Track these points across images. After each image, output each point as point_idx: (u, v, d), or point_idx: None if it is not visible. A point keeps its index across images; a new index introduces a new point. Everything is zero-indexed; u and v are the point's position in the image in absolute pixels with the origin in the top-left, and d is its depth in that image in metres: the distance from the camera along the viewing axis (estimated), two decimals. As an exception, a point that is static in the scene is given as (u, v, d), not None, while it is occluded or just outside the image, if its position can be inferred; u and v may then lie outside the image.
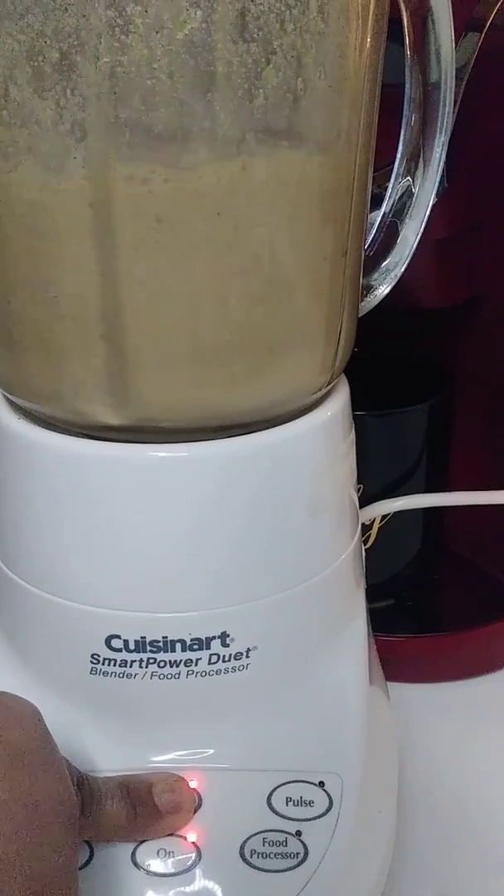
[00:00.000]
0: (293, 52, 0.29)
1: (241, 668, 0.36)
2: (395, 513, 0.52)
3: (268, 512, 0.35)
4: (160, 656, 0.35)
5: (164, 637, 0.35)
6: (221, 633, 0.35)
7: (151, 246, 0.31)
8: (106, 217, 0.30)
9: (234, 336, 0.32)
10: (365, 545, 0.47)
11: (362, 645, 0.39)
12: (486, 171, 0.48)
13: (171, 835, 0.34)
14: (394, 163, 0.38)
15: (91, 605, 0.35)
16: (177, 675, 0.35)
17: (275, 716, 0.37)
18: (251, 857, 0.33)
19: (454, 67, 0.36)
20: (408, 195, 0.38)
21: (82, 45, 0.28)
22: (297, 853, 0.34)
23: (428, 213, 0.38)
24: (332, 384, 0.38)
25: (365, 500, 0.49)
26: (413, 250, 0.39)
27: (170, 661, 0.35)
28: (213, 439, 0.34)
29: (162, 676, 0.35)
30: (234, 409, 0.34)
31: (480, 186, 0.48)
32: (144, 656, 0.35)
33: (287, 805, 0.35)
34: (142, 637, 0.35)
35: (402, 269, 0.40)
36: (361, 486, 0.42)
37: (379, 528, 0.53)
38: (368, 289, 0.40)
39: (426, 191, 0.38)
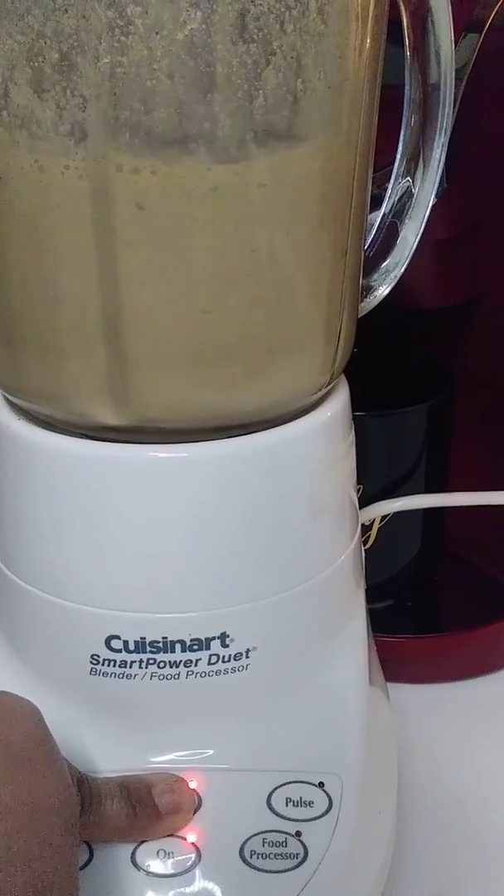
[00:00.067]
0: (293, 53, 0.29)
1: (240, 668, 0.36)
2: (394, 513, 0.52)
3: (267, 512, 0.35)
4: (160, 657, 0.35)
5: (163, 638, 0.35)
6: (221, 634, 0.35)
7: (151, 246, 0.31)
8: (106, 217, 0.30)
9: (233, 336, 0.32)
10: (365, 545, 0.47)
11: (362, 645, 0.39)
12: (485, 172, 0.48)
13: (170, 835, 0.34)
14: (393, 163, 0.38)
15: (91, 606, 0.35)
16: (176, 676, 0.35)
17: (274, 716, 0.37)
18: (251, 857, 0.33)
19: (454, 68, 0.36)
20: (407, 196, 0.38)
21: (82, 45, 0.28)
22: (297, 854, 0.34)
23: (428, 213, 0.38)
24: (332, 385, 0.38)
25: (365, 501, 0.49)
26: (413, 251, 0.39)
27: (169, 662, 0.35)
28: (212, 440, 0.34)
29: (162, 677, 0.35)
30: (233, 410, 0.34)
31: (480, 187, 0.48)
32: (144, 657, 0.35)
33: (287, 806, 0.35)
34: (141, 638, 0.35)
35: (402, 270, 0.40)
36: (361, 486, 0.42)
37: (379, 528, 0.53)
38: (368, 289, 0.40)
39: (426, 191, 0.38)
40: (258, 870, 0.33)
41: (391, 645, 0.51)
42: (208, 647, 0.35)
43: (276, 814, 0.34)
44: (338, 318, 0.36)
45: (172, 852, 0.33)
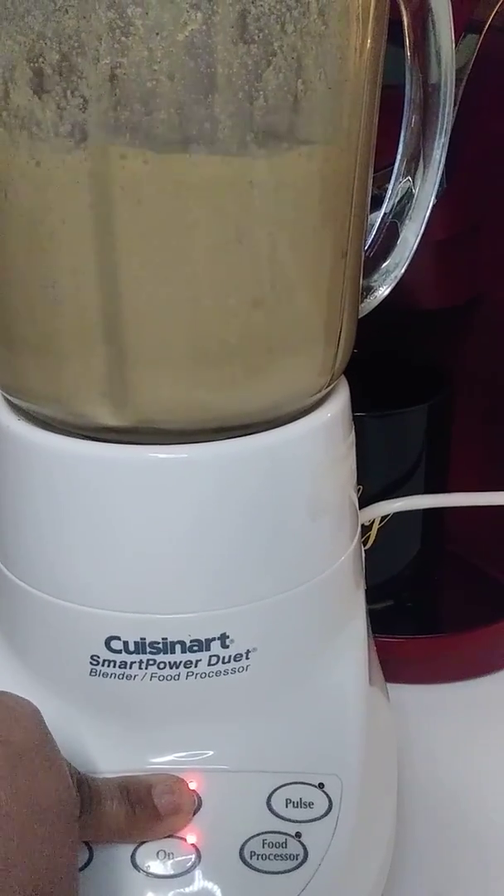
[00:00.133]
0: (293, 53, 0.29)
1: (240, 669, 0.36)
2: (394, 514, 0.52)
3: (267, 513, 0.35)
4: (160, 658, 0.35)
5: (163, 638, 0.35)
6: (221, 635, 0.35)
7: (151, 247, 0.31)
8: (106, 218, 0.30)
9: (233, 337, 0.32)
10: (364, 546, 0.47)
11: (362, 646, 0.39)
12: (486, 172, 0.48)
13: (170, 836, 0.34)
14: (394, 164, 0.38)
15: (91, 607, 0.35)
16: (176, 677, 0.35)
17: (274, 717, 0.37)
18: (251, 858, 0.33)
19: (454, 68, 0.36)
20: (408, 196, 0.38)
21: (83, 46, 0.28)
22: (297, 855, 0.34)
23: (428, 214, 0.38)
24: (332, 385, 0.38)
25: (364, 501, 0.49)
26: (413, 251, 0.39)
27: (169, 663, 0.35)
28: (212, 440, 0.34)
29: (161, 678, 0.35)
30: (233, 411, 0.34)
31: (480, 187, 0.48)
32: (144, 657, 0.35)
33: (287, 806, 0.35)
34: (141, 638, 0.35)
35: (402, 271, 0.40)
36: (361, 486, 0.42)
37: (378, 528, 0.53)
38: (368, 290, 0.40)
39: (426, 192, 0.38)
40: (258, 871, 0.33)
41: (391, 645, 0.51)
42: (208, 648, 0.35)
43: (276, 815, 0.34)
44: (338, 319, 0.36)
45: (172, 853, 0.33)
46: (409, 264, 0.39)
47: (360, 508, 0.41)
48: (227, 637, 0.35)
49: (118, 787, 0.33)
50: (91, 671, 0.35)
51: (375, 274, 0.40)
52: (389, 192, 0.38)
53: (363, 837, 0.35)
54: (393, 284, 0.40)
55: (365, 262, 0.38)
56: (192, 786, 0.35)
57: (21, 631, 0.37)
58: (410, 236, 0.39)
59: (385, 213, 0.39)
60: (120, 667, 0.35)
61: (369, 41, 0.32)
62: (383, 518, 0.53)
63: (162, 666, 0.35)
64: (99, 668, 0.35)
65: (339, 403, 0.37)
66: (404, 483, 0.55)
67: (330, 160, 0.32)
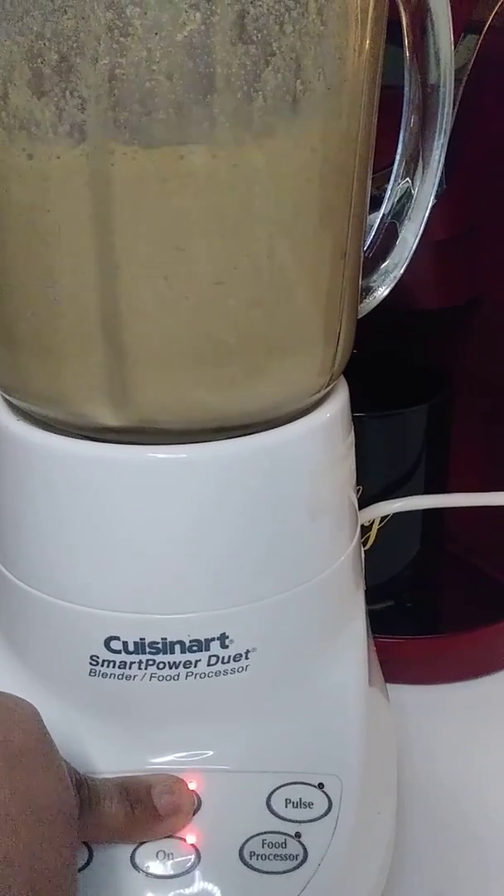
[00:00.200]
0: (292, 54, 0.29)
1: (240, 669, 0.36)
2: (394, 514, 0.52)
3: (267, 513, 0.35)
4: (159, 658, 0.35)
5: (163, 638, 0.35)
6: (221, 635, 0.35)
7: (150, 247, 0.31)
8: (105, 218, 0.30)
9: (233, 337, 0.32)
10: (364, 546, 0.47)
11: (362, 646, 0.39)
12: (485, 173, 0.48)
13: (170, 836, 0.34)
14: (393, 164, 0.38)
15: (90, 607, 0.35)
16: (176, 677, 0.35)
17: (274, 717, 0.37)
18: (250, 858, 0.33)
19: (453, 69, 0.36)
20: (407, 197, 0.38)
21: (81, 46, 0.28)
22: (297, 855, 0.34)
23: (427, 214, 0.38)
24: (332, 385, 0.38)
25: (364, 502, 0.49)
26: (412, 252, 0.39)
27: (169, 663, 0.35)
28: (212, 440, 0.34)
29: (161, 678, 0.35)
30: (233, 411, 0.34)
31: (480, 188, 0.48)
32: (143, 658, 0.35)
33: (286, 807, 0.35)
34: (141, 639, 0.35)
35: (402, 271, 0.40)
36: (361, 487, 0.42)
37: (378, 529, 0.53)
38: (368, 290, 0.40)
39: (425, 192, 0.38)
40: (258, 871, 0.33)
41: (391, 646, 0.51)
42: (208, 648, 0.35)
43: (276, 815, 0.34)
44: (337, 319, 0.36)
45: (172, 853, 0.33)
46: (409, 265, 0.39)
47: (359, 509, 0.41)
48: (227, 637, 0.35)
49: (117, 787, 0.33)
50: (91, 671, 0.35)
51: (375, 274, 0.40)
52: (388, 192, 0.38)
53: (363, 838, 0.35)
54: (392, 285, 0.40)
55: (364, 262, 0.38)
56: (192, 786, 0.35)
57: (21, 631, 0.37)
58: (409, 237, 0.39)
59: (384, 214, 0.39)
60: (119, 667, 0.35)
61: (368, 41, 0.32)
62: (383, 518, 0.53)
63: (161, 666, 0.35)
64: (98, 668, 0.35)
65: (338, 403, 0.37)
66: (404, 483, 0.55)
67: (329, 160, 0.32)
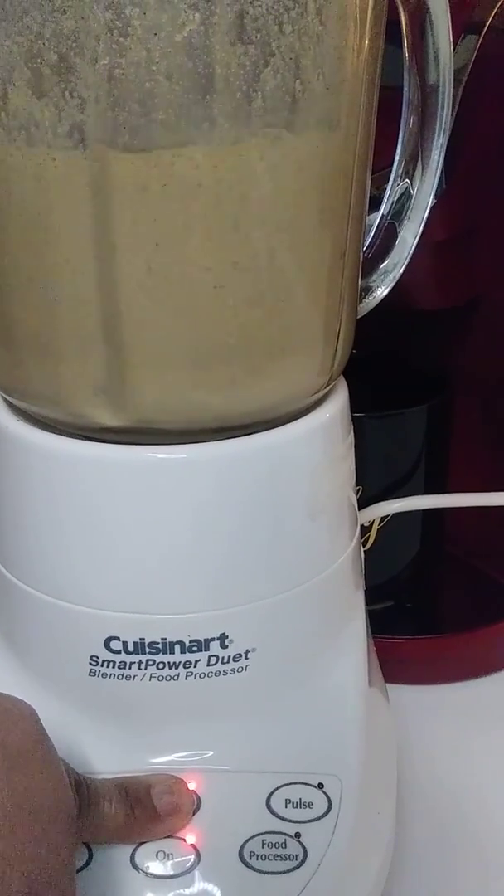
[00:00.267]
0: (291, 54, 0.29)
1: (240, 669, 0.36)
2: (394, 514, 0.52)
3: (267, 513, 0.35)
4: (159, 658, 0.35)
5: (162, 639, 0.35)
6: (220, 635, 0.35)
7: (150, 247, 0.31)
8: (104, 219, 0.30)
9: (232, 337, 0.32)
10: (364, 547, 0.47)
11: (361, 647, 0.39)
12: (484, 173, 0.48)
13: (170, 837, 0.34)
14: (392, 164, 0.38)
15: (90, 607, 0.35)
16: (176, 677, 0.35)
17: (274, 717, 0.37)
18: (250, 858, 0.33)
19: (452, 69, 0.36)
20: (406, 197, 0.38)
21: (81, 47, 0.28)
22: (297, 855, 0.34)
23: (426, 214, 0.38)
24: (331, 386, 0.38)
25: (364, 502, 0.49)
26: (412, 252, 0.39)
27: (169, 663, 0.35)
28: (211, 441, 0.34)
29: (161, 678, 0.35)
30: (232, 411, 0.34)
31: (479, 188, 0.48)
32: (143, 658, 0.35)
33: (286, 807, 0.35)
34: (141, 639, 0.35)
35: (401, 271, 0.40)
36: (360, 487, 0.42)
37: (378, 529, 0.53)
38: (367, 290, 0.40)
39: (424, 193, 0.38)
40: (257, 871, 0.33)
41: (390, 646, 0.51)
42: (207, 649, 0.35)
43: (276, 815, 0.34)
44: (337, 319, 0.36)
45: (172, 853, 0.33)
46: (408, 265, 0.39)
47: (359, 509, 0.41)
48: (227, 637, 0.35)
49: (117, 787, 0.33)
50: (90, 671, 0.35)
51: (374, 274, 0.40)
52: (388, 192, 0.38)
53: (363, 838, 0.35)
54: (392, 285, 0.40)
55: (363, 262, 0.38)
56: (192, 786, 0.35)
57: (21, 631, 0.37)
58: (409, 237, 0.39)
59: (383, 214, 0.39)
60: (119, 667, 0.35)
61: (367, 42, 0.32)
62: (383, 519, 0.53)
63: (161, 666, 0.35)
64: (98, 668, 0.35)
65: (338, 404, 0.38)
66: (404, 484, 0.55)
67: (328, 161, 0.32)
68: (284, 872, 0.33)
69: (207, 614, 0.35)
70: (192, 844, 0.34)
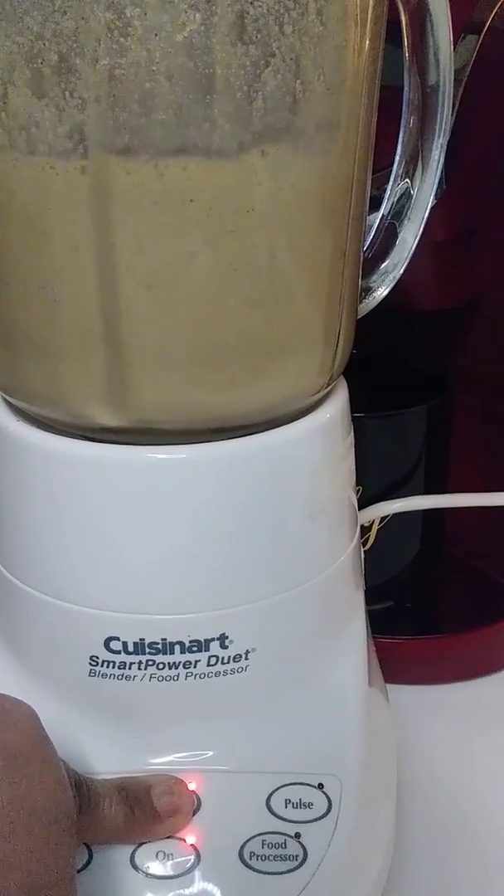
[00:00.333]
0: (292, 54, 0.29)
1: (239, 669, 0.36)
2: (394, 514, 0.52)
3: (267, 514, 0.35)
4: (159, 658, 0.35)
5: (162, 639, 0.35)
6: (220, 635, 0.35)
7: (150, 247, 0.31)
8: (105, 219, 0.30)
9: (232, 338, 0.32)
10: (364, 547, 0.47)
11: (361, 647, 0.39)
12: (485, 174, 0.48)
13: (169, 837, 0.34)
14: (392, 165, 0.38)
15: (90, 607, 0.35)
16: (175, 677, 0.35)
17: (274, 718, 0.37)
18: (250, 859, 0.33)
19: (452, 69, 0.36)
20: (406, 197, 0.38)
21: (81, 47, 0.28)
22: (297, 855, 0.34)
23: (426, 215, 0.38)
24: (331, 386, 0.38)
25: (364, 502, 0.49)
26: (412, 252, 0.39)
27: (168, 663, 0.35)
28: (211, 441, 0.34)
29: (161, 678, 0.35)
30: (232, 411, 0.34)
31: (479, 188, 0.48)
32: (143, 658, 0.35)
33: (286, 807, 0.35)
34: (140, 639, 0.35)
35: (401, 271, 0.40)
36: (360, 487, 0.42)
37: (378, 529, 0.53)
38: (367, 290, 0.40)
39: (425, 193, 0.38)
40: (257, 871, 0.33)
41: (390, 646, 0.51)
42: (207, 649, 0.35)
43: (276, 815, 0.34)
44: (337, 320, 0.36)
45: (172, 854, 0.33)
46: (408, 265, 0.39)
47: (359, 509, 0.41)
48: (227, 637, 0.35)
49: (117, 788, 0.33)
50: (90, 672, 0.35)
51: (374, 274, 0.40)
52: (388, 192, 0.38)
53: (363, 838, 0.35)
54: (392, 285, 0.40)
55: (364, 262, 0.38)
56: (192, 786, 0.35)
57: (20, 632, 0.37)
58: (409, 237, 0.39)
59: (384, 214, 0.39)
60: (119, 667, 0.35)
61: (368, 42, 0.32)
62: (383, 519, 0.53)
63: (161, 666, 0.35)
64: (98, 668, 0.35)
65: (338, 404, 0.38)
66: (404, 484, 0.55)
67: (328, 161, 0.32)
68: (284, 873, 0.33)
69: (207, 614, 0.35)
70: (192, 845, 0.34)
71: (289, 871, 0.33)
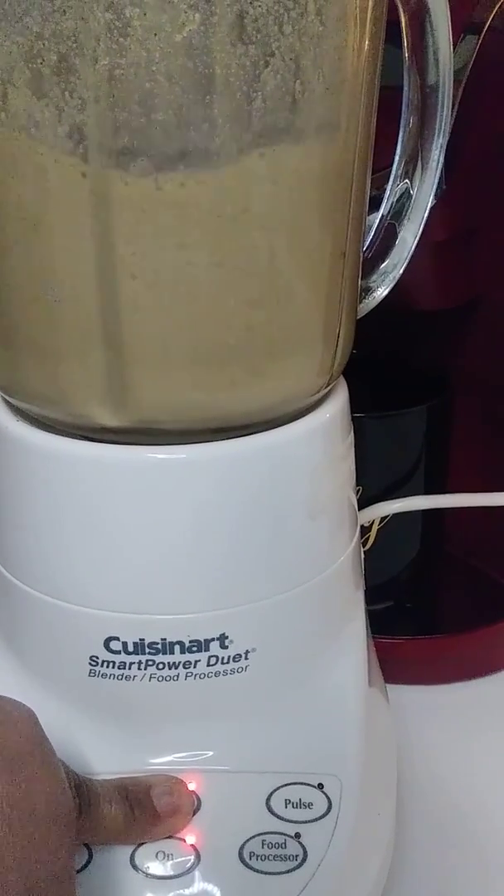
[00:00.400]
0: (291, 54, 0.29)
1: (239, 669, 0.36)
2: (394, 514, 0.52)
3: (267, 514, 0.35)
4: (159, 658, 0.35)
5: (162, 639, 0.35)
6: (220, 635, 0.35)
7: (150, 248, 0.31)
8: (105, 219, 0.30)
9: (232, 338, 0.32)
10: (364, 547, 0.47)
11: (361, 647, 0.39)
12: (484, 173, 0.48)
13: (169, 837, 0.34)
14: (392, 165, 0.38)
15: (90, 607, 0.35)
16: (175, 678, 0.35)
17: (274, 718, 0.37)
18: (250, 859, 0.33)
19: (452, 70, 0.36)
20: (406, 197, 0.38)
21: (81, 47, 0.28)
22: (296, 855, 0.34)
23: (426, 215, 0.38)
24: (331, 386, 0.38)
25: (364, 502, 0.49)
26: (411, 252, 0.39)
27: (168, 663, 0.35)
28: (211, 441, 0.34)
29: (161, 678, 0.35)
30: (232, 411, 0.34)
31: (479, 188, 0.48)
32: (143, 658, 0.35)
33: (286, 807, 0.35)
34: (140, 639, 0.35)
35: (401, 271, 0.40)
36: (360, 487, 0.42)
37: (378, 529, 0.53)
38: (367, 291, 0.40)
39: (424, 193, 0.38)
40: (257, 871, 0.33)
41: (390, 646, 0.51)
42: (207, 649, 0.35)
43: (276, 815, 0.34)
44: (337, 320, 0.36)
45: (171, 854, 0.33)
46: (408, 265, 0.39)
47: (359, 509, 0.41)
48: (227, 637, 0.35)
49: (117, 788, 0.33)
50: (90, 672, 0.35)
51: (374, 275, 0.40)
52: (388, 192, 0.38)
53: (362, 838, 0.35)
54: (391, 285, 0.40)
55: (363, 262, 0.38)
56: (192, 786, 0.35)
57: (20, 632, 0.37)
58: (409, 237, 0.39)
59: (383, 214, 0.39)
60: (119, 667, 0.35)
61: (367, 42, 0.32)
62: (383, 519, 0.53)
63: (161, 666, 0.35)
64: (98, 668, 0.35)
65: (338, 404, 0.38)
66: (404, 484, 0.55)
67: (328, 161, 0.32)
68: (284, 873, 0.33)
69: (207, 614, 0.35)
70: (191, 845, 0.34)
71: (289, 871, 0.33)
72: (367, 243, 0.39)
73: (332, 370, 0.37)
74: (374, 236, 0.39)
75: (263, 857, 0.33)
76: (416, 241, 0.39)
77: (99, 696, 0.36)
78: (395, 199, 0.38)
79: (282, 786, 0.35)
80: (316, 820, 0.34)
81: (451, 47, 0.35)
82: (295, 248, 0.32)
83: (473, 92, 0.45)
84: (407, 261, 0.39)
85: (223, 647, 0.35)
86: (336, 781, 0.35)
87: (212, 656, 0.35)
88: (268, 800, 0.35)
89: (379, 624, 0.44)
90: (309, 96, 0.30)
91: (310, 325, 0.34)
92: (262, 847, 0.34)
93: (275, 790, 0.35)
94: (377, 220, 0.39)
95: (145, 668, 0.35)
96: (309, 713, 0.37)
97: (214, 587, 0.35)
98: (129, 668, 0.35)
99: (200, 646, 0.35)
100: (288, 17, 0.29)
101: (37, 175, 0.30)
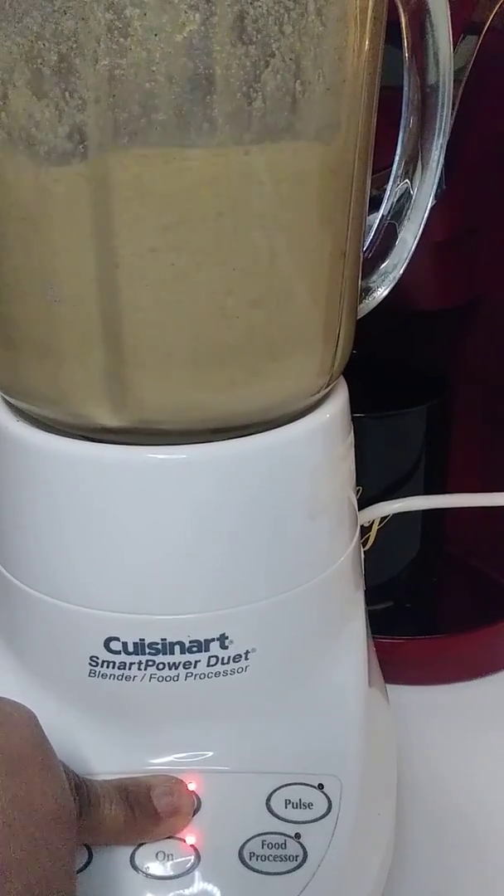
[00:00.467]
0: (291, 54, 0.29)
1: (239, 670, 0.36)
2: (393, 515, 0.52)
3: (267, 514, 0.35)
4: (159, 658, 0.35)
5: (162, 639, 0.35)
6: (220, 636, 0.35)
7: (150, 248, 0.31)
8: (105, 219, 0.30)
9: (232, 338, 0.32)
10: (364, 547, 0.47)
11: (361, 647, 0.39)
12: (484, 173, 0.48)
13: (169, 837, 0.34)
14: (392, 165, 0.38)
15: (90, 608, 0.35)
16: (175, 678, 0.35)
17: (274, 718, 0.37)
18: (250, 859, 0.33)
19: (452, 70, 0.36)
20: (406, 197, 0.38)
21: (81, 47, 0.28)
22: (296, 855, 0.34)
23: (426, 215, 0.38)
24: (331, 386, 0.38)
25: (364, 502, 0.49)
26: (412, 252, 0.39)
27: (168, 664, 0.35)
28: (211, 441, 0.34)
29: (161, 679, 0.35)
30: (232, 412, 0.34)
31: (479, 189, 0.48)
32: (143, 658, 0.35)
33: (286, 807, 0.35)
34: (140, 639, 0.35)
35: (401, 271, 0.40)
36: (360, 487, 0.42)
37: (378, 529, 0.53)
38: (367, 291, 0.40)
39: (424, 193, 0.38)
40: (257, 871, 0.33)
41: (390, 646, 0.51)
42: (207, 649, 0.35)
43: (276, 815, 0.34)
44: (337, 320, 0.36)
45: (172, 854, 0.33)
46: (408, 265, 0.39)
47: (359, 509, 0.41)
48: (227, 638, 0.35)
49: (117, 789, 0.33)
50: (90, 672, 0.35)
51: (374, 275, 0.40)
52: (388, 192, 0.38)
53: (362, 838, 0.35)
54: (392, 285, 0.40)
55: (364, 262, 0.38)
56: (192, 787, 0.35)
57: (20, 632, 0.37)
58: (409, 237, 0.39)
59: (383, 215, 0.39)
60: (119, 668, 0.35)
61: (367, 42, 0.32)
62: (382, 519, 0.53)
63: (161, 667, 0.35)
64: (98, 668, 0.35)
65: (338, 404, 0.37)
66: (404, 484, 0.55)
67: (328, 161, 0.32)
68: (284, 873, 0.33)
69: (207, 615, 0.35)
70: (191, 845, 0.34)
71: (289, 871, 0.33)
72: (368, 243, 0.39)
73: (332, 370, 0.37)
74: (374, 236, 0.39)
75: (263, 858, 0.33)
76: (416, 242, 0.39)
77: (99, 696, 0.36)
78: (395, 199, 0.38)
79: (282, 786, 0.35)
80: (316, 820, 0.34)
81: (451, 47, 0.35)
82: (295, 248, 0.32)
83: (473, 92, 0.45)
84: (407, 261, 0.39)
85: (223, 647, 0.35)
86: (336, 782, 0.35)
87: (212, 656, 0.35)
88: (268, 800, 0.35)
89: (379, 624, 0.44)
90: (309, 96, 0.30)
91: (310, 325, 0.34)
92: (262, 847, 0.34)
93: (275, 790, 0.35)
94: (377, 220, 0.39)
95: (145, 669, 0.35)
96: (309, 713, 0.37)
97: (214, 587, 0.35)
98: (129, 669, 0.35)
99: (200, 646, 0.35)
100: (288, 18, 0.29)
101: (37, 175, 0.30)
